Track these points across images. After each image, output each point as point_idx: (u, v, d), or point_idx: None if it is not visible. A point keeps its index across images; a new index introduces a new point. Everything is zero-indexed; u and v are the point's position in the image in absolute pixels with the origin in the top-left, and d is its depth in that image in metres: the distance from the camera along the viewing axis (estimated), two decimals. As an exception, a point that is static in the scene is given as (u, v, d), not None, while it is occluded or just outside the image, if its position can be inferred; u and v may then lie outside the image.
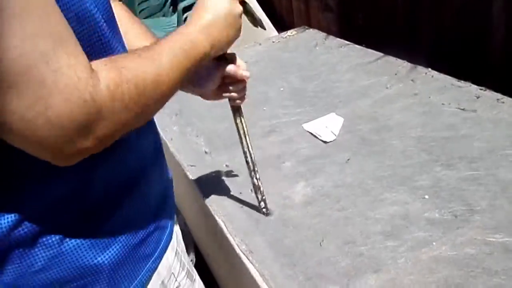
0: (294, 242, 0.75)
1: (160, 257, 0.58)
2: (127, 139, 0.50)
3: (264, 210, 0.81)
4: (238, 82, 0.68)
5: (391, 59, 1.38)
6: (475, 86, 1.13)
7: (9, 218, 0.44)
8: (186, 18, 2.21)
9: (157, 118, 0.58)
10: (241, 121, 0.73)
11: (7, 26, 0.33)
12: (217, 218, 0.84)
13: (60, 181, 0.46)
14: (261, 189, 0.79)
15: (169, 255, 0.60)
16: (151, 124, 0.60)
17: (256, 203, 0.82)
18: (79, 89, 0.37)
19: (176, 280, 0.61)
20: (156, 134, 0.62)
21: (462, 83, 1.16)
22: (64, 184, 0.46)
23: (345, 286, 0.64)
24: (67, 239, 0.48)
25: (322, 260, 0.70)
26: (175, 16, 2.34)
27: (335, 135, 1.04)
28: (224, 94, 0.69)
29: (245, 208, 0.85)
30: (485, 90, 1.11)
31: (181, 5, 2.21)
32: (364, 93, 1.22)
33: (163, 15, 2.53)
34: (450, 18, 1.51)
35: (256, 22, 0.70)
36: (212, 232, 0.91)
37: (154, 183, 0.59)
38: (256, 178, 0.78)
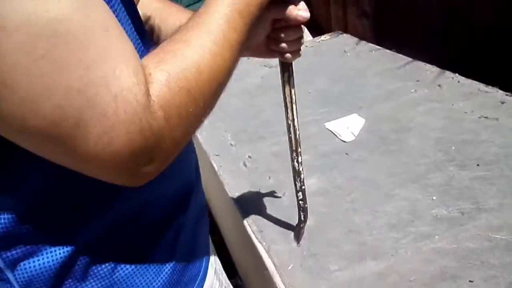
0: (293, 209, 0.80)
1: (204, 277, 0.57)
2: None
3: (300, 202, 0.70)
4: (294, 29, 0.52)
5: (420, 64, 1.39)
6: (502, 92, 1.13)
7: (62, 251, 0.41)
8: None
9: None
10: (290, 83, 0.58)
11: (72, 58, 0.31)
12: (229, 194, 0.91)
13: (124, 201, 0.44)
14: (302, 176, 0.67)
15: (210, 274, 0.58)
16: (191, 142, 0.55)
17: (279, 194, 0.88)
18: (138, 118, 0.33)
19: None
20: (195, 152, 0.59)
21: (489, 88, 1.16)
22: (128, 203, 0.45)
23: (344, 267, 0.69)
24: (120, 268, 0.45)
25: (326, 243, 0.75)
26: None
27: (355, 135, 1.08)
28: (274, 47, 0.53)
29: (263, 193, 0.92)
30: (511, 96, 1.10)
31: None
32: (388, 96, 1.25)
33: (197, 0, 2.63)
34: (482, 23, 1.50)
35: None
36: (228, 213, 0.99)
37: (197, 199, 0.57)
38: (298, 162, 0.65)
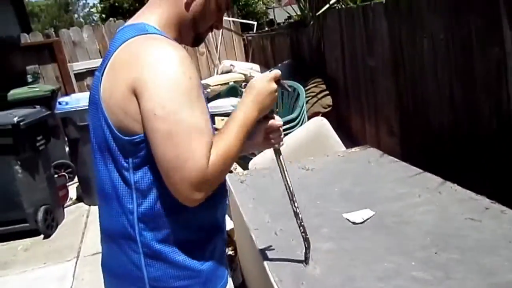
0: (311, 269, 1.09)
1: (227, 281, 0.95)
2: (220, 195, 0.92)
3: (303, 234, 1.05)
4: (276, 131, 0.97)
5: (428, 174, 1.71)
6: (488, 200, 1.41)
7: (166, 229, 0.85)
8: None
9: (239, 199, 1.06)
10: (282, 160, 1.00)
11: (190, 105, 0.76)
12: (256, 244, 1.23)
13: (190, 214, 0.85)
14: (300, 215, 1.03)
15: (230, 281, 0.97)
16: (226, 191, 0.99)
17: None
18: (200, 171, 0.75)
19: None
20: (226, 199, 1.01)
21: (478, 197, 1.45)
22: (193, 216, 0.86)
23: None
24: (183, 251, 0.86)
25: (327, 285, 1.03)
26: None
27: (363, 219, 1.39)
28: (269, 142, 0.98)
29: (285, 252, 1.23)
30: (494, 203, 1.38)
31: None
32: (398, 198, 1.56)
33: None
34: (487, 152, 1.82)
35: (286, 90, 1.02)
36: (256, 267, 1.28)
37: (224, 231, 0.98)
38: (295, 206, 1.02)
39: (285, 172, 1.01)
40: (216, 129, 0.88)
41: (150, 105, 0.76)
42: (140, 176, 0.82)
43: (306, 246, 1.09)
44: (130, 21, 0.89)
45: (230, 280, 0.97)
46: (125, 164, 0.82)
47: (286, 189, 1.02)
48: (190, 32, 0.92)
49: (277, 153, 1.01)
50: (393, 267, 1.09)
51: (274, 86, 0.93)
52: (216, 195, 0.88)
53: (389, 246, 1.21)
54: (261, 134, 0.98)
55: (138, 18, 0.89)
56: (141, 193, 0.83)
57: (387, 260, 1.13)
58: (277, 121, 0.98)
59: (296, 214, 1.04)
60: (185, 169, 0.74)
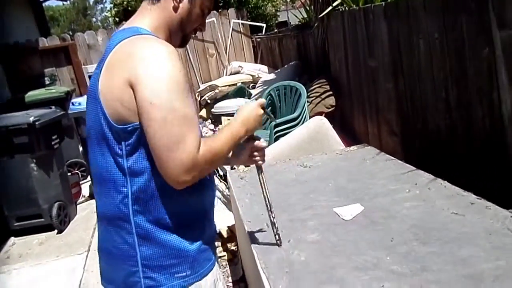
0: (296, 257, 1.17)
1: (213, 264, 1.04)
2: (206, 185, 1.02)
3: (278, 241, 1.25)
4: (260, 150, 1.13)
5: (420, 172, 1.77)
6: (474, 196, 1.46)
7: (157, 212, 0.95)
8: (276, 132, 2.91)
9: (237, 194, 1.14)
10: (262, 176, 1.18)
11: (181, 96, 0.86)
12: (248, 235, 1.31)
13: (181, 198, 0.95)
14: (276, 225, 1.22)
15: (216, 266, 1.05)
16: (213, 183, 1.11)
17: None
18: (190, 154, 0.85)
19: (220, 282, 1.07)
20: (214, 191, 1.11)
21: (465, 193, 1.50)
22: (188, 195, 0.96)
23: (315, 286, 1.04)
24: (179, 228, 0.96)
25: (309, 271, 1.10)
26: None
27: (352, 216, 1.45)
28: (253, 159, 1.14)
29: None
30: (480, 199, 1.43)
31: (274, 122, 2.95)
32: (387, 193, 1.62)
33: (264, 128, 3.30)
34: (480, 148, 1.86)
35: (270, 118, 1.22)
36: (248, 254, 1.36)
37: (212, 220, 1.08)
38: (272, 217, 1.21)
39: (265, 186, 1.19)
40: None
41: (146, 95, 0.85)
42: (133, 162, 0.92)
43: (276, 237, 1.27)
44: (125, 26, 0.99)
45: (216, 266, 1.05)
46: (119, 151, 0.92)
47: (265, 201, 1.19)
48: (178, 33, 1.03)
49: (259, 169, 1.19)
50: (373, 260, 1.16)
51: (260, 112, 1.08)
52: (204, 183, 0.99)
53: (372, 240, 1.27)
54: (247, 152, 1.14)
55: (132, 23, 0.99)
56: (134, 177, 0.92)
57: (368, 254, 1.19)
58: (261, 142, 1.14)
59: (272, 224, 1.23)
60: (177, 151, 0.85)
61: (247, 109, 1.06)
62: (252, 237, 1.39)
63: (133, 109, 0.88)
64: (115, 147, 0.92)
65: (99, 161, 0.96)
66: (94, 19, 34.48)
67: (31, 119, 3.26)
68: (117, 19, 8.95)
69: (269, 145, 2.78)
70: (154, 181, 0.93)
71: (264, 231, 1.42)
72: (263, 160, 1.16)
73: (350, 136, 3.33)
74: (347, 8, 3.16)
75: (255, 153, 1.13)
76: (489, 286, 0.99)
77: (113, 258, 0.99)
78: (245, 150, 1.13)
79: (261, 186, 1.19)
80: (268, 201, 1.19)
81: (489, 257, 1.11)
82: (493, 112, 1.78)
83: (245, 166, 1.16)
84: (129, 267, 0.96)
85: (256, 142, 1.13)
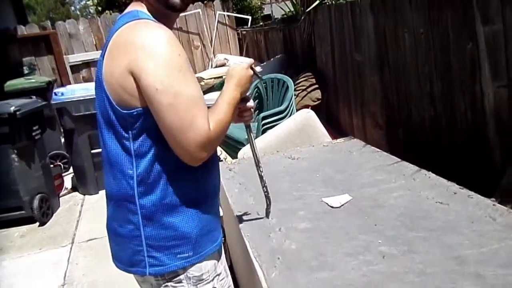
0: (287, 245, 1.19)
1: (219, 245, 1.06)
2: (211, 168, 1.03)
3: (266, 193, 1.30)
4: (249, 110, 1.17)
5: (405, 163, 1.81)
6: (457, 186, 1.51)
7: (161, 193, 0.95)
8: (264, 124, 2.92)
9: (226, 185, 1.14)
10: (250, 133, 1.25)
11: (184, 78, 0.88)
12: (242, 232, 1.33)
13: (185, 180, 0.97)
14: (264, 179, 1.27)
15: (217, 251, 1.06)
16: (217, 167, 1.12)
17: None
18: (204, 132, 0.89)
19: (222, 265, 1.09)
20: (218, 174, 1.12)
21: (448, 183, 1.55)
22: (192, 176, 0.98)
23: (307, 274, 1.06)
24: (187, 206, 0.98)
25: (300, 259, 1.13)
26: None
27: (341, 203, 1.49)
28: (243, 119, 1.18)
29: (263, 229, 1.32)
30: (463, 189, 1.48)
31: (261, 115, 2.96)
32: (374, 184, 1.66)
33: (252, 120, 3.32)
34: (461, 140, 1.92)
35: (259, 78, 1.23)
36: (238, 244, 1.38)
37: (217, 201, 1.10)
38: (260, 171, 1.26)
39: (253, 143, 1.27)
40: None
41: (150, 82, 0.87)
42: (139, 145, 0.94)
43: (268, 203, 1.36)
44: (127, 9, 1.00)
45: (220, 248, 1.07)
46: (125, 135, 0.94)
47: (253, 155, 1.27)
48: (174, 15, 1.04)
49: (248, 127, 1.25)
50: (363, 244, 1.19)
51: (250, 72, 1.11)
52: (208, 166, 1.01)
53: (361, 226, 1.31)
54: (236, 112, 1.15)
55: (132, 6, 1.00)
56: (140, 159, 0.95)
57: (358, 239, 1.23)
58: (250, 103, 1.17)
59: (260, 177, 1.29)
60: (191, 132, 0.88)
61: (239, 72, 1.08)
62: (243, 227, 1.41)
63: (135, 96, 0.90)
64: (121, 130, 0.94)
65: (107, 144, 0.98)
66: (72, 8, 33.62)
67: (12, 108, 3.17)
68: (99, 8, 8.75)
69: (256, 137, 2.79)
70: (159, 163, 0.95)
71: (255, 219, 1.44)
72: (251, 118, 1.22)
73: (335, 129, 3.38)
74: (334, 2, 3.19)
75: (244, 113, 1.17)
76: (473, 267, 1.04)
77: (119, 237, 1.02)
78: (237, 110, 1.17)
79: (249, 142, 1.27)
80: (257, 156, 1.26)
81: (472, 244, 1.15)
82: (475, 105, 1.84)
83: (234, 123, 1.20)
84: (135, 246, 0.98)
85: (247, 103, 1.16)
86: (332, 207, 1.48)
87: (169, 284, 1.00)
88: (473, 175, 1.79)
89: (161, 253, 0.97)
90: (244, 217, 1.48)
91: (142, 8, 0.98)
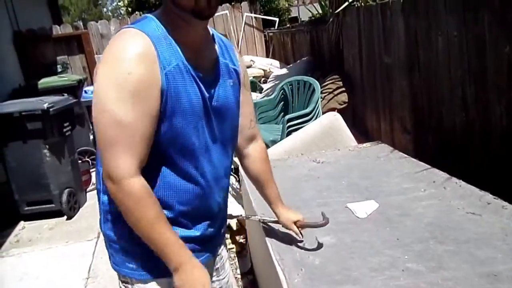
0: (311, 260, 1.16)
1: (160, 276, 0.99)
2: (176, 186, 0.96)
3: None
4: (299, 232, 1.25)
5: (435, 170, 1.75)
6: (491, 196, 1.44)
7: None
8: (289, 126, 2.90)
9: (250, 186, 1.14)
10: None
11: (113, 98, 0.83)
12: (262, 230, 1.31)
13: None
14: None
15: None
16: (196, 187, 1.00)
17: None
18: (120, 172, 0.84)
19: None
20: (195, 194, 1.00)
21: (482, 192, 1.48)
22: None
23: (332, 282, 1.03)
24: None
25: (324, 273, 1.10)
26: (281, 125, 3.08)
27: (367, 214, 1.44)
28: (292, 228, 1.25)
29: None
30: (497, 199, 1.41)
31: (287, 117, 2.93)
32: (402, 192, 1.61)
33: (276, 123, 3.28)
34: (495, 147, 1.84)
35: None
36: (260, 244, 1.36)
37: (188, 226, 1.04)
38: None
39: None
40: None
41: (94, 86, 0.88)
42: None
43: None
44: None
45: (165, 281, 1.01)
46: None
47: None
48: (178, 11, 0.91)
49: (263, 223, 1.39)
50: (388, 260, 1.14)
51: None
52: (171, 183, 0.96)
53: (388, 239, 1.25)
54: (287, 223, 1.27)
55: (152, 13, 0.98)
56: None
57: (384, 253, 1.18)
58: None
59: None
60: (107, 154, 0.87)
61: (194, 282, 0.92)
62: (266, 230, 1.39)
63: None
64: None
65: None
66: (104, 9, 34.57)
67: (45, 105, 3.28)
68: (129, 9, 8.96)
69: (281, 139, 2.77)
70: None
71: (277, 221, 1.42)
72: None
73: (362, 133, 3.31)
74: (363, 4, 3.13)
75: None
76: (507, 285, 0.98)
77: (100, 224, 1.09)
78: (285, 224, 1.26)
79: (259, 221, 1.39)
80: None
81: (506, 259, 1.09)
82: (511, 111, 1.75)
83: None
84: (104, 236, 1.06)
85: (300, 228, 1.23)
86: (358, 217, 1.44)
87: (122, 285, 1.05)
88: (507, 183, 1.71)
89: (116, 252, 1.02)
90: (267, 220, 1.46)
91: (156, 14, 0.94)
